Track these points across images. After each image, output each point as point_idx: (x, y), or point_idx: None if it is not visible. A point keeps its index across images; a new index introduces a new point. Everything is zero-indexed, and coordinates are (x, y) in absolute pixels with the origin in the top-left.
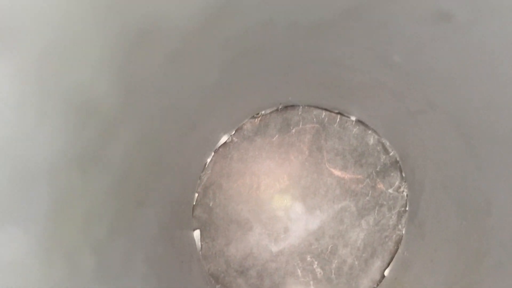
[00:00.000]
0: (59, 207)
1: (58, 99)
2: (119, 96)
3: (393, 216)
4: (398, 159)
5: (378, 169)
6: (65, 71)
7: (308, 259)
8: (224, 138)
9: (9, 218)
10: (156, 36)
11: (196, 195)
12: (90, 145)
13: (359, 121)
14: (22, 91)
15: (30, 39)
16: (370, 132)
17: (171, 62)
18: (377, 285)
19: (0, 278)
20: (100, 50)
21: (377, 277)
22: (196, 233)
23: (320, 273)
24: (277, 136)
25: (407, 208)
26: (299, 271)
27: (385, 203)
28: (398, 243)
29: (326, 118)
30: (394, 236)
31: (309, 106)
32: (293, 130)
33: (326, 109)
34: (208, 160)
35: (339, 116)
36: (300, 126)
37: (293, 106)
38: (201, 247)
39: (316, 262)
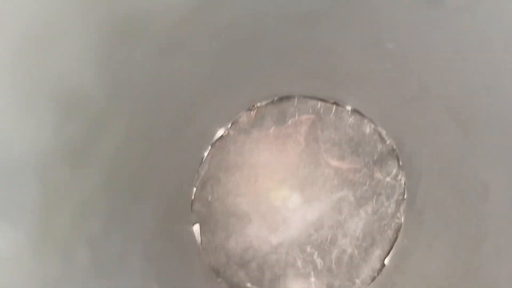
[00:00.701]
0: (50, 202)
1: (41, 90)
2: (107, 88)
3: (391, 205)
4: (394, 147)
5: (375, 158)
6: (47, 61)
7: (308, 250)
8: (220, 132)
9: None
10: (143, 25)
11: (194, 189)
12: (79, 138)
13: (355, 111)
14: (4, 81)
15: (8, 26)
16: (366, 121)
17: (160, 53)
18: (378, 273)
19: None
20: (85, 39)
21: (377, 265)
22: (196, 228)
23: (320, 263)
24: (273, 128)
25: (405, 196)
26: (299, 262)
27: (383, 191)
28: (397, 231)
29: (322, 109)
30: (393, 224)
31: (305, 97)
32: (289, 122)
33: (321, 99)
34: (205, 154)
35: (334, 106)
36: (296, 117)
37: (288, 98)
38: (201, 241)
39: (316, 253)
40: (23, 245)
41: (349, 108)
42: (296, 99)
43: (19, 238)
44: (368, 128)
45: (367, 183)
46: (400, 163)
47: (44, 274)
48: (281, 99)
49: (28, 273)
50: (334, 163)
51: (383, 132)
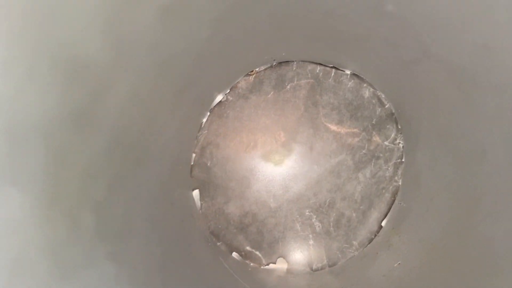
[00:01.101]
0: (56, 166)
1: (45, 56)
2: (109, 52)
3: (389, 168)
4: (393, 111)
5: (374, 122)
6: (51, 27)
7: (307, 213)
8: (219, 97)
9: (6, 178)
10: None
11: (194, 155)
12: (83, 103)
13: (354, 75)
14: (8, 47)
15: None
16: (365, 85)
17: (160, 17)
18: (375, 235)
19: (1, 237)
20: (87, 5)
21: (375, 228)
22: (195, 193)
23: (319, 226)
24: (272, 93)
25: (403, 160)
26: (298, 225)
27: (381, 155)
28: (394, 194)
29: (321, 73)
30: (391, 187)
31: (304, 61)
32: (288, 86)
33: (320, 64)
34: (204, 120)
35: (333, 70)
36: (295, 82)
37: (287, 62)
38: (201, 206)
39: (314, 216)
40: (31, 209)
41: (348, 72)
42: (295, 63)
43: (27, 202)
44: (367, 92)
45: (366, 147)
46: (399, 126)
47: (51, 237)
48: (280, 63)
49: (36, 236)
50: (333, 127)
51: (382, 96)
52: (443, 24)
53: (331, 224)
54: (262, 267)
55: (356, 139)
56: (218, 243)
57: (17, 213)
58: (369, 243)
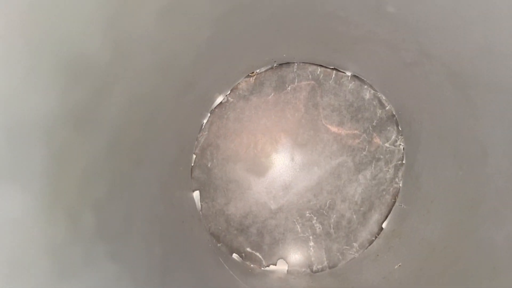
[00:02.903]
0: (57, 165)
1: (46, 55)
2: (110, 53)
3: (390, 170)
4: (394, 112)
5: (374, 123)
6: (53, 25)
7: (307, 215)
8: (219, 99)
9: (6, 177)
10: None
11: (194, 156)
12: (84, 102)
13: (355, 76)
14: (10, 46)
15: None
16: (366, 87)
17: (161, 18)
18: (375, 237)
19: (1, 235)
20: (89, 4)
21: (375, 229)
22: (196, 194)
23: (319, 228)
24: (272, 94)
25: (403, 161)
26: (298, 227)
27: (382, 157)
28: (395, 195)
29: (322, 75)
30: (391, 189)
31: (304, 63)
32: (289, 88)
33: (321, 65)
34: (205, 121)
35: (334, 71)
36: (296, 83)
37: (288, 64)
38: (201, 207)
39: (315, 218)
40: (32, 208)
41: (349, 73)
42: (295, 65)
43: (28, 201)
44: (368, 94)
45: (366, 148)
46: (400, 128)
47: (51, 236)
48: (281, 65)
49: (36, 235)
50: (334, 129)
51: (383, 98)
52: (443, 26)
53: (332, 225)
54: (262, 268)
55: (357, 141)
56: (219, 244)
57: (17, 212)
58: (370, 244)
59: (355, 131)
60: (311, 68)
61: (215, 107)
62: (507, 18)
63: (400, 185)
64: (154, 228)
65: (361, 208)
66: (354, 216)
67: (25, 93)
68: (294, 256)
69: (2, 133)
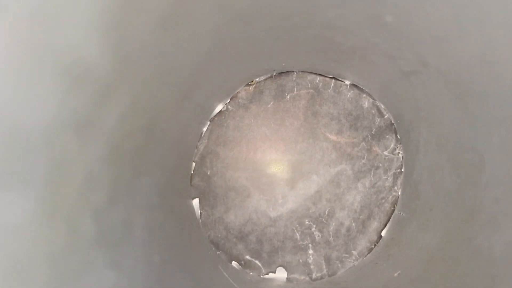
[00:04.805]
0: (57, 172)
1: (47, 61)
2: (110, 60)
3: (389, 178)
4: (392, 121)
5: (373, 132)
6: (54, 33)
7: (306, 223)
8: (219, 107)
9: (6, 183)
10: None
11: (194, 164)
12: (84, 109)
13: (354, 85)
14: (11, 52)
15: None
16: (364, 95)
17: (162, 27)
18: (374, 245)
19: (1, 242)
20: (89, 12)
21: (374, 237)
22: (195, 202)
23: (318, 236)
24: (272, 103)
25: (402, 169)
26: (297, 235)
27: (380, 165)
28: (394, 204)
29: (321, 83)
30: (390, 197)
31: (303, 71)
32: (288, 96)
33: (320, 74)
34: (204, 129)
35: (333, 80)
36: (295, 92)
37: (287, 72)
38: (201, 215)
39: (314, 226)
40: (32, 214)
41: (347, 82)
42: (295, 74)
43: (28, 207)
44: (366, 102)
45: (365, 157)
46: (398, 136)
47: (51, 243)
48: (280, 74)
49: (36, 242)
50: (333, 137)
51: (382, 106)
52: (440, 36)
53: (331, 233)
54: (261, 276)
55: (356, 149)
56: (218, 252)
57: (16, 219)
58: (369, 252)
59: (354, 140)
60: (310, 77)
61: (214, 115)
62: (504, 27)
63: (399, 193)
64: (154, 236)
65: (360, 216)
66: (353, 224)
67: (25, 100)
68: (293, 264)
69: (3, 140)
